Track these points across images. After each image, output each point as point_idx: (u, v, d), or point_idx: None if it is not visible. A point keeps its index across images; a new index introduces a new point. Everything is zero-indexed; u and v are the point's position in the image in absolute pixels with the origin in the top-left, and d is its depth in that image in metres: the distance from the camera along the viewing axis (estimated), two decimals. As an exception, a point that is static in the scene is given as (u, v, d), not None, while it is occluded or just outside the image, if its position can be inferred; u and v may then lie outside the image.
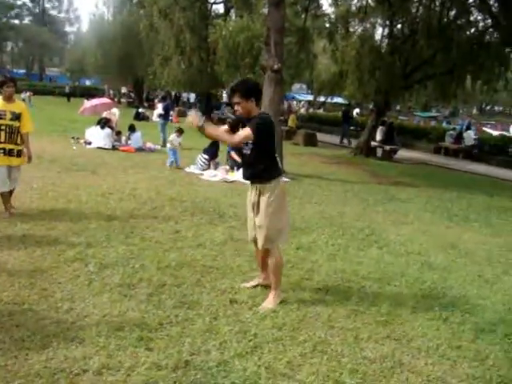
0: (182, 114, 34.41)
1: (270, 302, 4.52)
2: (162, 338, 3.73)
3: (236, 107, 4.49)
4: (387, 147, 20.31)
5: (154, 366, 3.34)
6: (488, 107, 71.81)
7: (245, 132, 4.35)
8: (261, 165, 4.47)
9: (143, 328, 3.83)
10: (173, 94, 43.46)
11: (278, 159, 4.71)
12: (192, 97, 45.67)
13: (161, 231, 6.51)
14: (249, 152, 4.51)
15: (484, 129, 31.36)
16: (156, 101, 32.04)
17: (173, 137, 12.76)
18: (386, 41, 20.72)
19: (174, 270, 5.17)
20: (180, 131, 12.84)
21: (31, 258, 5.14)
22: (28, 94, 31.56)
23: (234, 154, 12.36)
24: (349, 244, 6.88)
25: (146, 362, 3.37)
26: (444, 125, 32.59)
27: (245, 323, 4.10)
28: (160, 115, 18.26)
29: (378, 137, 21.00)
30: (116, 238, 6.03)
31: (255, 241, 4.65)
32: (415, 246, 7.19)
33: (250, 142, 4.40)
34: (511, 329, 4.51)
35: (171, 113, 24.62)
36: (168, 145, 12.95)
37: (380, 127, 21.11)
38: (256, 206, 4.54)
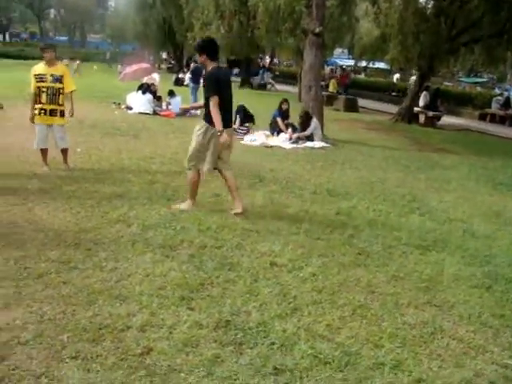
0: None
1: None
2: (203, 298, 3.79)
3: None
4: (430, 113, 19.78)
5: (196, 325, 3.39)
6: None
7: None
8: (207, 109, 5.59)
9: (185, 288, 3.89)
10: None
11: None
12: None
13: (201, 194, 6.55)
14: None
15: None
16: (192, 64, 31.66)
17: None
18: (432, 2, 19.98)
19: (215, 232, 5.22)
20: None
21: (76, 219, 5.27)
22: (77, 62, 30.27)
23: (279, 121, 12.18)
24: (390, 210, 6.79)
25: (187, 321, 3.43)
26: (496, 90, 31.39)
27: (284, 286, 4.12)
28: (190, 78, 17.82)
29: (421, 103, 20.44)
30: (158, 201, 6.11)
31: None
32: (458, 213, 7.05)
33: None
34: (556, 298, 4.40)
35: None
36: None
37: (424, 93, 20.53)
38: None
